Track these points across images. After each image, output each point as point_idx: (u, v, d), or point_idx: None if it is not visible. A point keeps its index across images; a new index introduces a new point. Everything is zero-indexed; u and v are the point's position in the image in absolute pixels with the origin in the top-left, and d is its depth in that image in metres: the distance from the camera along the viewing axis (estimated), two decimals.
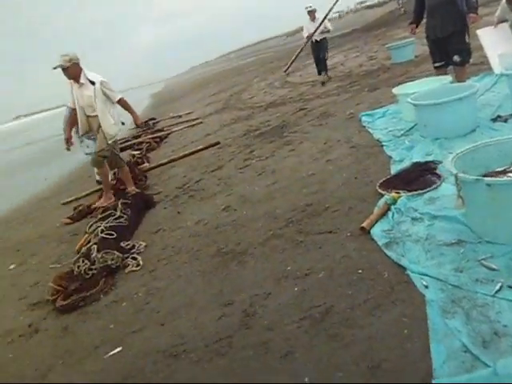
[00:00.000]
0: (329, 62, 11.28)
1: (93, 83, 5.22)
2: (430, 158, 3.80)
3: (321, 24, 10.63)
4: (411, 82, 5.70)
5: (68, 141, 5.47)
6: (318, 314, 2.28)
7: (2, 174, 14.22)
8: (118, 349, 2.58)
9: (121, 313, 3.00)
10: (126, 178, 5.80)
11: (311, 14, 10.63)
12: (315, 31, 10.57)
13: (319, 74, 10.87)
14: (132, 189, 5.60)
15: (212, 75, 39.28)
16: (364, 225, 2.93)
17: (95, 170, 8.05)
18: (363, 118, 5.75)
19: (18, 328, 3.31)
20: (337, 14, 72.18)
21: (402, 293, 2.22)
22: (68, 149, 5.52)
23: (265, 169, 5.15)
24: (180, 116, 13.38)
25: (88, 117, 5.32)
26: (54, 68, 5.09)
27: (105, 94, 5.26)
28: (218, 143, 7.40)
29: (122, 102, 5.49)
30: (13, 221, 7.28)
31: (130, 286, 3.34)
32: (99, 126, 5.29)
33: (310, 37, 10.67)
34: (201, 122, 10.93)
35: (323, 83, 10.33)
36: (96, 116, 5.28)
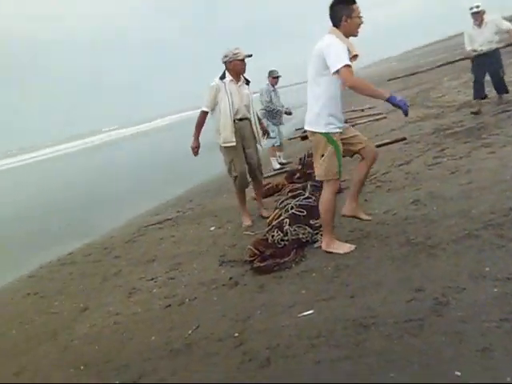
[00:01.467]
0: None
1: (248, 82, 5.00)
2: None
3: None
4: None
5: (195, 149, 5.10)
6: None
7: (205, 151, 16.18)
8: (310, 311, 2.84)
9: (311, 281, 3.27)
10: (259, 192, 5.55)
11: (477, 16, 7.49)
12: None
13: (475, 98, 7.96)
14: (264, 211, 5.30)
15: (395, 71, 37.84)
16: None
17: (277, 153, 8.61)
18: None
19: (221, 279, 3.86)
20: None
21: None
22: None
23: (458, 168, 4.93)
24: (362, 110, 13.38)
25: (237, 120, 4.88)
26: (249, 56, 4.92)
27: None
28: (404, 139, 7.26)
29: None
30: (208, 191, 8.36)
31: (319, 259, 3.60)
32: (250, 132, 5.01)
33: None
34: (384, 117, 10.79)
35: (476, 113, 7.65)
36: (245, 119, 4.98)
